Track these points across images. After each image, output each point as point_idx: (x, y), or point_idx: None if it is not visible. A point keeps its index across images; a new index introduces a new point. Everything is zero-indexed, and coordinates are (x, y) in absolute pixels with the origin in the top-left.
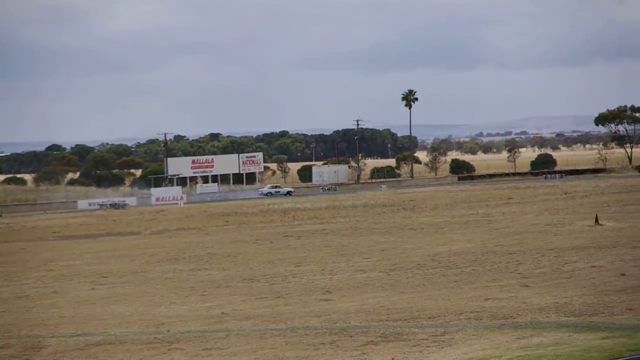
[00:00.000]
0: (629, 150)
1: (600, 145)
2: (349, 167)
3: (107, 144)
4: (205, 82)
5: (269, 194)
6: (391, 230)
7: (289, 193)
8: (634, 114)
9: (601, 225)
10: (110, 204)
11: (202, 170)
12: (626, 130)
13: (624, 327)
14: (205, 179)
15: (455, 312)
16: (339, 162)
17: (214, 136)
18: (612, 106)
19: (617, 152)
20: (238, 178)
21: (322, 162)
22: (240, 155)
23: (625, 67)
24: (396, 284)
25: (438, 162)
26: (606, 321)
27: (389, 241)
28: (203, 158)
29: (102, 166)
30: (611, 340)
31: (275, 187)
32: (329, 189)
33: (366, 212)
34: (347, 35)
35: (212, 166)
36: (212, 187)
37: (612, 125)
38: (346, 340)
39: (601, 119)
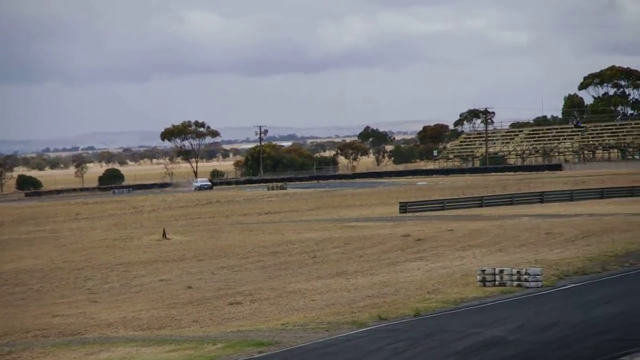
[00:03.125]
0: (194, 164)
1: (167, 160)
2: None
3: None
4: None
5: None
6: None
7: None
8: (198, 129)
9: (168, 239)
10: None
11: None
12: (191, 145)
13: (190, 339)
14: None
15: (23, 331)
16: None
17: None
18: (177, 121)
19: (183, 167)
20: None
21: None
22: None
23: (187, 82)
24: None
25: (4, 178)
26: (174, 334)
27: None
28: None
29: None
30: (178, 352)
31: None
32: None
33: None
34: None
35: None
36: None
37: (178, 140)
38: None
39: (167, 134)
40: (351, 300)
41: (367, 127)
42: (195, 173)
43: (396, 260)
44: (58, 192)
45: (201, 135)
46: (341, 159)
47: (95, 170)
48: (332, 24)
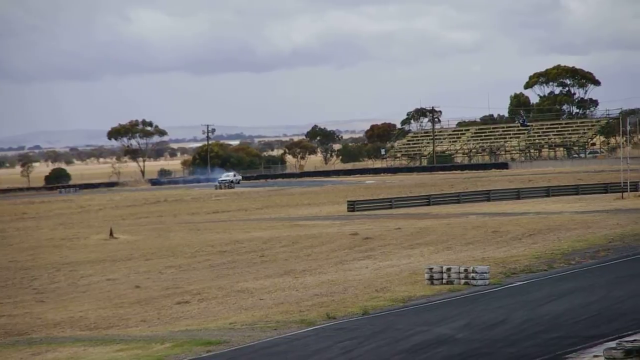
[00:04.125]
0: (142, 163)
1: (114, 159)
2: None
3: None
4: None
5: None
6: None
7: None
8: (146, 127)
9: (116, 238)
10: None
11: None
12: (138, 144)
13: (138, 338)
14: None
15: None
16: None
17: None
18: (124, 120)
19: (130, 166)
20: None
21: None
22: None
23: (134, 81)
24: None
25: None
26: (121, 333)
27: None
28: None
29: None
30: (126, 352)
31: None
32: None
33: None
34: None
35: None
36: None
37: (125, 139)
38: None
39: (114, 133)
40: (299, 299)
41: (315, 126)
42: (143, 172)
43: (344, 259)
44: (4, 191)
45: (148, 134)
46: (289, 158)
47: (42, 169)
48: (279, 23)
